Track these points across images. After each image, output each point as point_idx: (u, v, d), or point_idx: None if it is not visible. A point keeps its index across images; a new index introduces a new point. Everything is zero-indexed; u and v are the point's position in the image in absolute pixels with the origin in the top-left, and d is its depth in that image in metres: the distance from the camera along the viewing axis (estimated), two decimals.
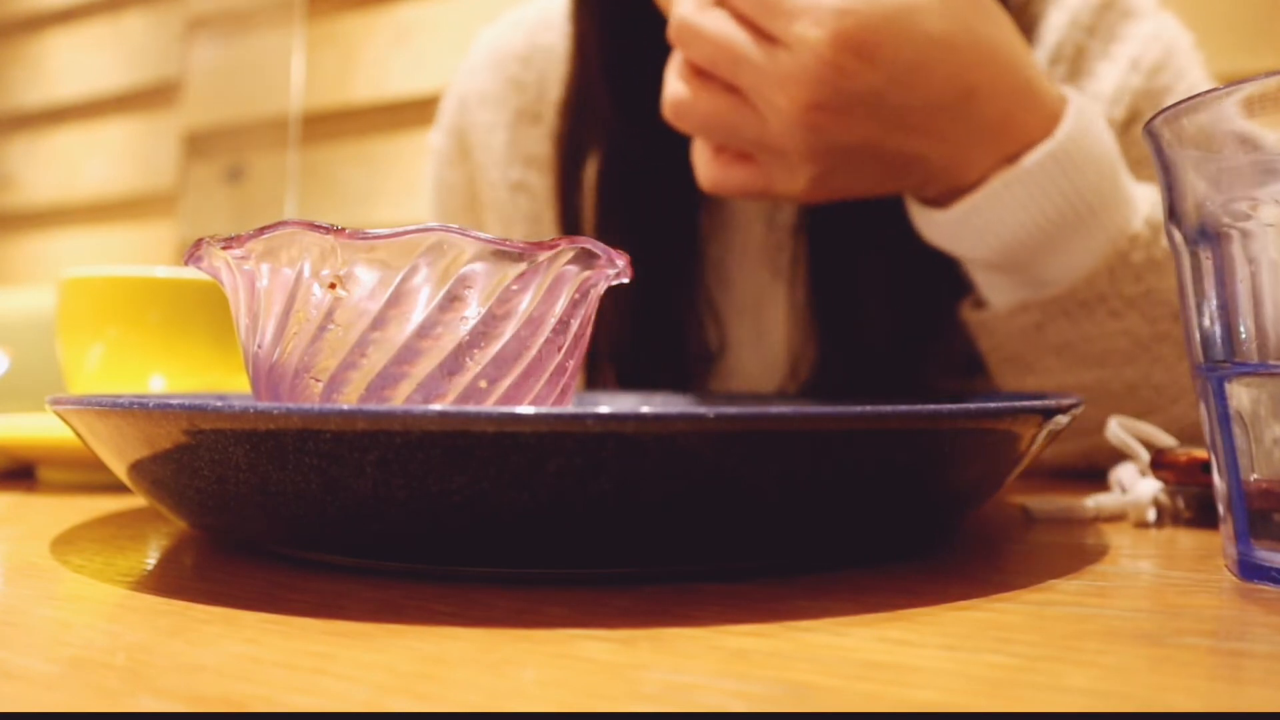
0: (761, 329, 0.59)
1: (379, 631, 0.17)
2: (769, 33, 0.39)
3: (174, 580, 0.22)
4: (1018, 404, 0.23)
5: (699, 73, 0.41)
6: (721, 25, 0.40)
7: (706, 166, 0.43)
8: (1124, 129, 0.50)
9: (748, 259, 0.59)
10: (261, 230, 0.25)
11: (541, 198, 0.62)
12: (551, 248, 0.25)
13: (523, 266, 0.25)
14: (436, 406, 0.21)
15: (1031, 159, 0.40)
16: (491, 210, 0.66)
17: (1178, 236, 0.23)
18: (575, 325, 0.27)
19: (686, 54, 0.40)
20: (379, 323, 0.24)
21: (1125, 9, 0.52)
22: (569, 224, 0.60)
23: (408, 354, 0.25)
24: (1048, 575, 0.22)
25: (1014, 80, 0.40)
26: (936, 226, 0.43)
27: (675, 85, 0.41)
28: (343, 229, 0.24)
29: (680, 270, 0.58)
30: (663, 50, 0.43)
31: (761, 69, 0.39)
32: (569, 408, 0.27)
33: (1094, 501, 0.31)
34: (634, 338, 0.58)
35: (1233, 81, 0.21)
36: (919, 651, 0.16)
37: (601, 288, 0.27)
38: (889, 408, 0.20)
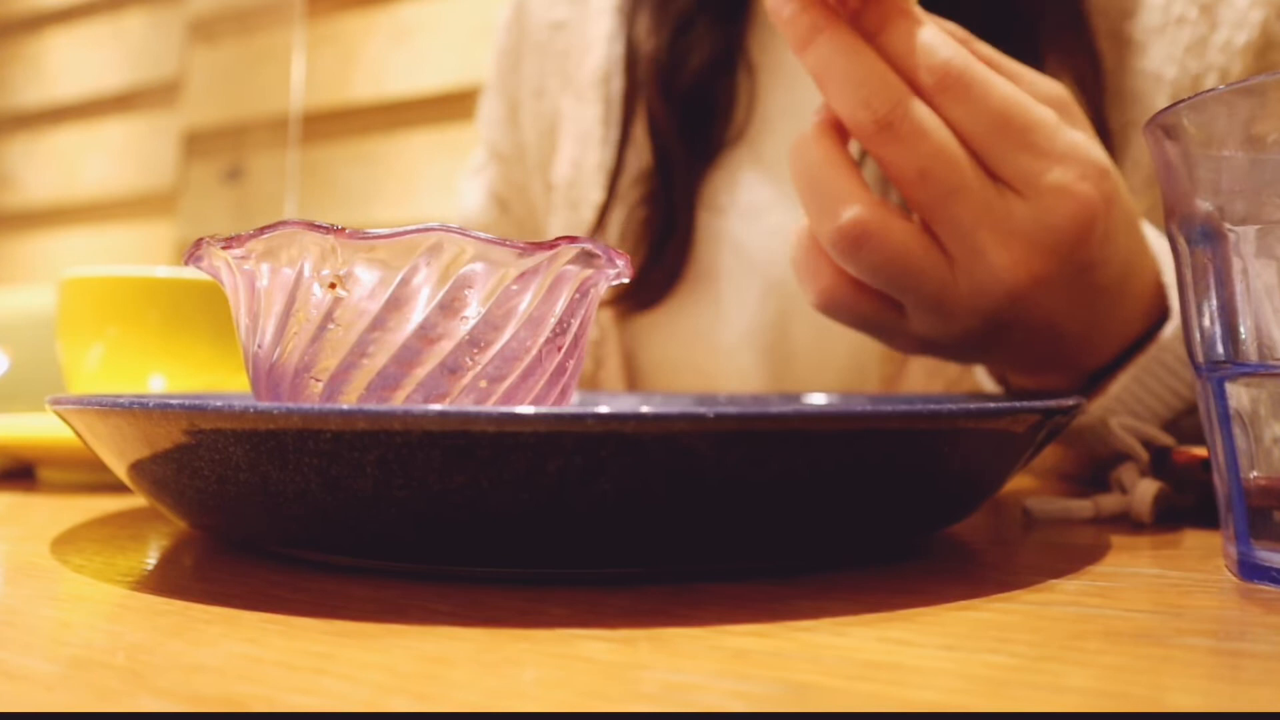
0: (800, 101, 0.57)
1: (379, 631, 0.17)
2: (998, 172, 0.31)
3: (174, 580, 0.22)
4: (1018, 404, 0.23)
5: (886, 202, 0.32)
6: (948, 132, 0.31)
7: (829, 283, 0.34)
8: (1257, 54, 0.48)
9: None
10: (261, 230, 0.25)
11: (579, 31, 0.65)
12: (551, 248, 0.25)
13: (523, 266, 0.25)
14: (436, 406, 0.21)
15: (1166, 334, 0.36)
16: (532, 54, 0.68)
17: (1178, 236, 0.23)
18: (575, 325, 0.27)
19: (896, 154, 0.31)
20: (379, 323, 0.24)
21: None
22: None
23: (408, 354, 0.25)
24: (1048, 575, 0.22)
25: (1149, 257, 0.36)
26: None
27: (862, 203, 0.31)
28: (343, 229, 0.24)
29: (725, 25, 0.57)
30: None
31: (989, 210, 0.31)
32: (569, 408, 0.27)
33: (1094, 501, 0.31)
34: (670, 83, 0.58)
35: (1233, 81, 0.21)
36: (919, 651, 0.16)
37: (602, 288, 0.27)
38: (889, 408, 0.20)
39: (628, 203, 0.60)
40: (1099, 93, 0.49)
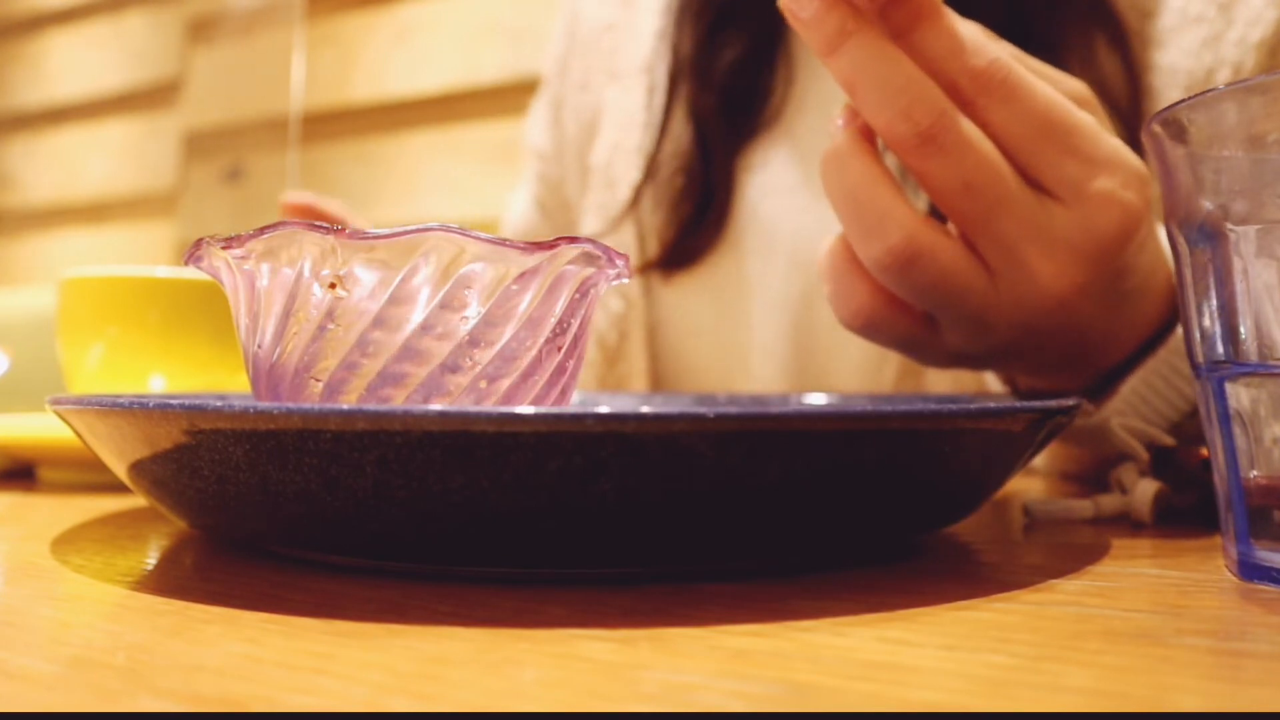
0: (835, 86, 0.57)
1: (379, 631, 0.17)
2: (1039, 178, 0.30)
3: (174, 580, 0.22)
4: (1018, 404, 0.23)
5: (932, 220, 0.31)
6: (990, 143, 0.30)
7: (865, 301, 0.33)
8: (1270, 51, 0.48)
9: None
10: (261, 230, 0.25)
11: (628, 30, 0.66)
12: (551, 248, 0.25)
13: (523, 266, 0.25)
14: (436, 406, 0.21)
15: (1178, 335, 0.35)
16: (580, 53, 0.70)
17: (1178, 236, 0.23)
18: (575, 326, 0.27)
19: (939, 167, 0.29)
20: (379, 323, 0.24)
21: None
22: None
23: (408, 354, 0.25)
24: (1048, 575, 0.22)
25: (1164, 257, 0.35)
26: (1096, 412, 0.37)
27: (912, 223, 0.30)
28: (343, 229, 0.24)
29: (763, 15, 0.57)
30: None
31: (1033, 221, 0.30)
32: (569, 408, 0.27)
33: (1094, 501, 0.31)
34: (708, 60, 0.58)
35: (1233, 80, 0.21)
36: (919, 651, 0.16)
37: (602, 288, 0.27)
38: (889, 408, 0.20)
39: (664, 175, 0.61)
40: (1133, 89, 0.49)
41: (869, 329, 0.34)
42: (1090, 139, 0.30)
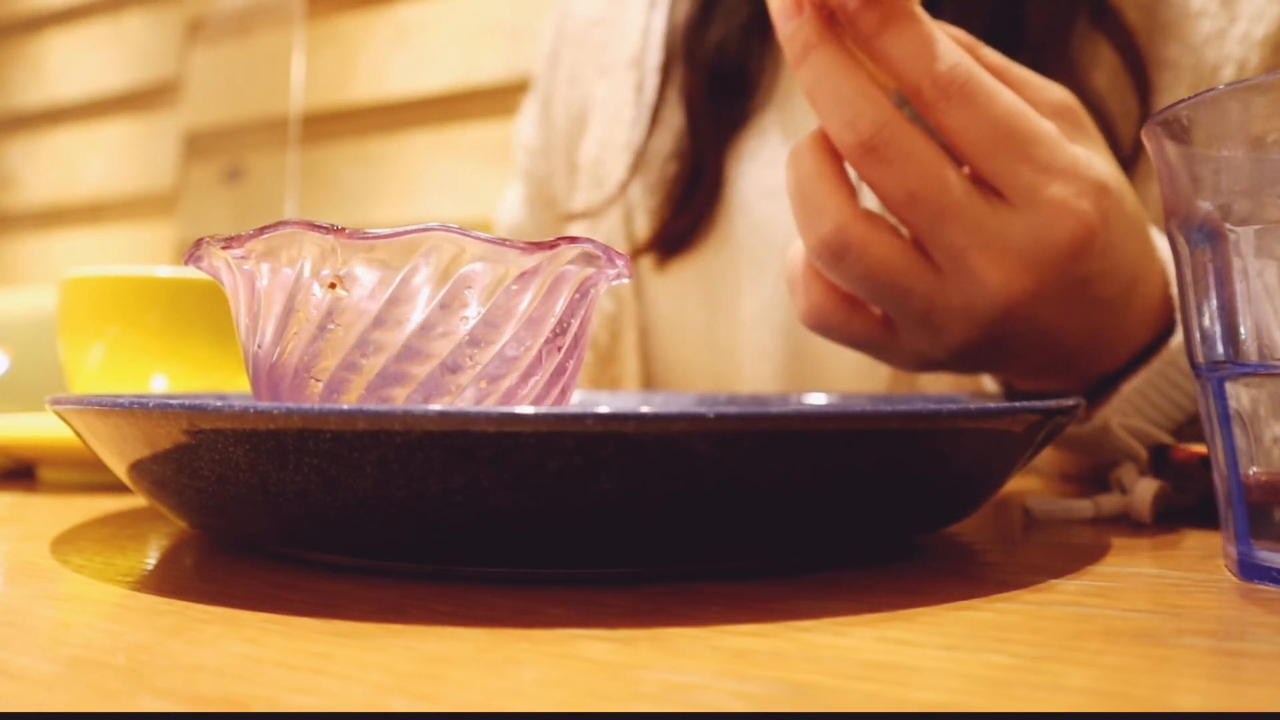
0: None
1: (379, 631, 0.17)
2: (995, 183, 0.31)
3: (174, 580, 0.22)
4: (1018, 404, 0.23)
5: (871, 215, 0.32)
6: (937, 154, 0.31)
7: (820, 299, 0.34)
8: (1274, 48, 0.47)
9: None
10: (261, 230, 0.25)
11: (616, 24, 0.66)
12: (551, 248, 0.25)
13: (523, 266, 0.25)
14: (436, 406, 0.21)
15: (1175, 341, 0.35)
16: (569, 47, 0.70)
17: (1178, 237, 0.23)
18: (575, 325, 0.27)
19: (883, 176, 0.30)
20: (379, 323, 0.24)
21: None
22: None
23: (408, 354, 0.25)
24: (1048, 575, 0.22)
25: (1157, 265, 0.35)
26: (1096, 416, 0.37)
27: (844, 215, 0.31)
28: (343, 229, 0.24)
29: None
30: None
31: (981, 229, 0.30)
32: (569, 408, 0.27)
33: (1094, 501, 0.31)
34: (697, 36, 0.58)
35: (1234, 80, 0.21)
36: (919, 651, 0.16)
37: (602, 288, 0.27)
38: (889, 408, 0.20)
39: (655, 164, 0.61)
40: (1140, 88, 0.49)
41: (824, 327, 0.35)
42: (1048, 147, 0.30)
